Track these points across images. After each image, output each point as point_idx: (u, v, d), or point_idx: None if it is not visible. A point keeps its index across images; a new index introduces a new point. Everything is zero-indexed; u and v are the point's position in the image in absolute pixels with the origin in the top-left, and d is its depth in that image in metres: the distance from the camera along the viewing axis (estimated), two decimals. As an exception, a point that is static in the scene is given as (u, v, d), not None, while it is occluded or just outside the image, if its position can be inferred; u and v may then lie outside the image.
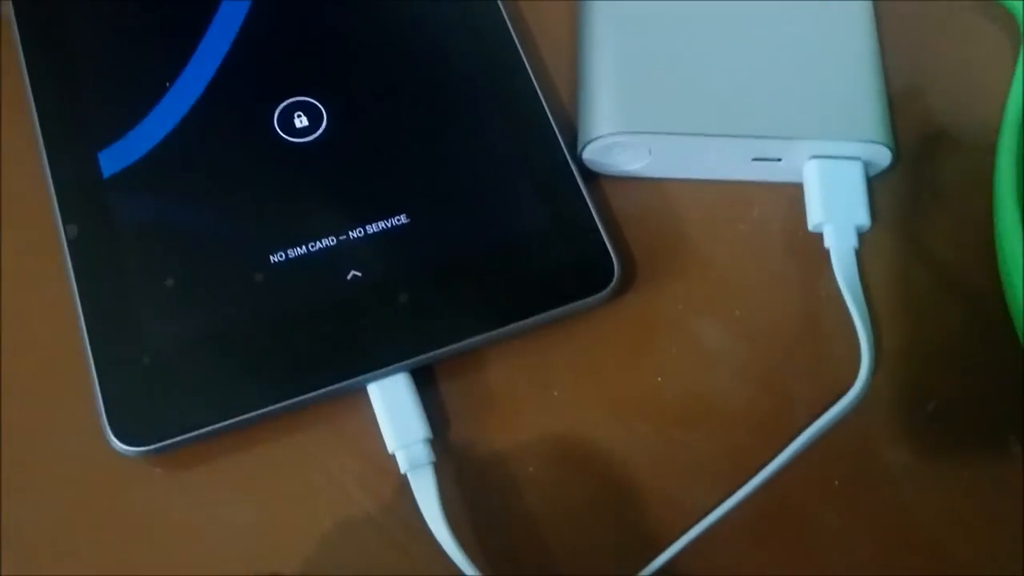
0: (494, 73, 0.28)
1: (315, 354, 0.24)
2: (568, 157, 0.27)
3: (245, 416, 0.23)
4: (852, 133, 0.27)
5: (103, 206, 0.26)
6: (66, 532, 0.24)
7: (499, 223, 0.26)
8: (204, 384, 0.24)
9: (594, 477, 0.25)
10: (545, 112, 0.27)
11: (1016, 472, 0.25)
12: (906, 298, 0.27)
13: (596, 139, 0.27)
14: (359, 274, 0.25)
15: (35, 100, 0.27)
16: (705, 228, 0.28)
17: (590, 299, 0.25)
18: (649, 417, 0.26)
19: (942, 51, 0.31)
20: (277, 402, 0.24)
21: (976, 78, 0.30)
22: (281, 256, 0.25)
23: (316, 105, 0.27)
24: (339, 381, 0.24)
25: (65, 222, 0.25)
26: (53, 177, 0.26)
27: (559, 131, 0.27)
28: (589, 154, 0.27)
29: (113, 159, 0.26)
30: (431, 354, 0.24)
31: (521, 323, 0.25)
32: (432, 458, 0.24)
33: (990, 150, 0.28)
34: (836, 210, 0.27)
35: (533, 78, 0.28)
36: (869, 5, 0.29)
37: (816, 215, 0.27)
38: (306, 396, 0.24)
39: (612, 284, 0.25)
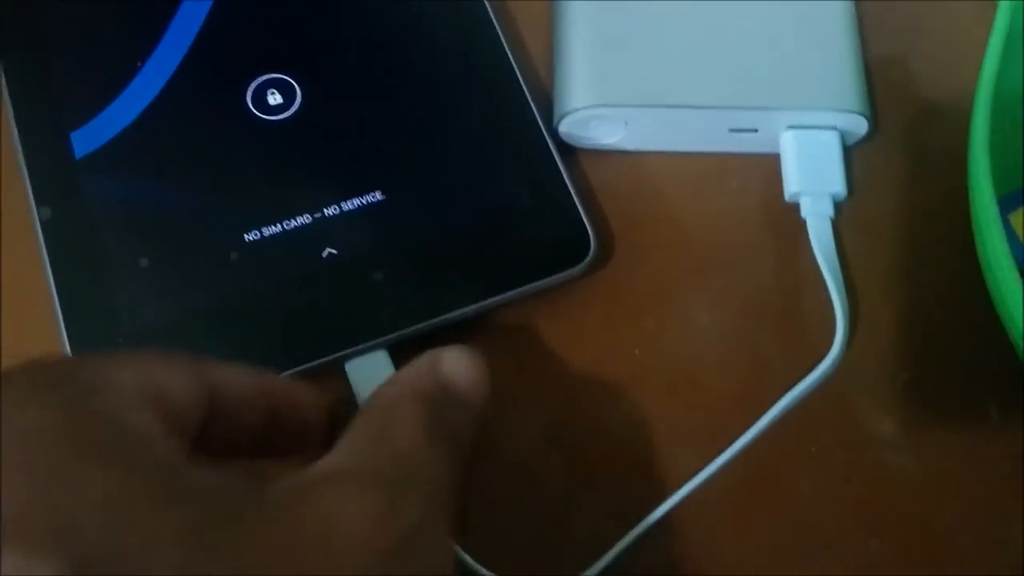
0: (470, 48, 0.28)
1: (292, 332, 0.24)
2: (544, 132, 0.27)
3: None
4: (828, 102, 0.27)
5: (76, 187, 0.25)
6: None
7: (475, 199, 0.26)
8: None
9: (572, 448, 0.25)
10: (521, 87, 0.27)
11: (993, 439, 0.25)
12: (882, 268, 0.27)
13: (572, 112, 0.26)
14: (335, 251, 0.25)
15: (7, 81, 0.27)
16: (683, 200, 0.28)
17: (566, 272, 0.25)
18: (627, 388, 0.26)
19: (921, 19, 0.31)
20: (253, 381, 0.24)
21: (956, 46, 0.30)
22: (256, 235, 0.25)
23: (289, 82, 0.27)
24: (316, 359, 0.24)
25: (38, 204, 0.25)
26: (26, 159, 0.26)
27: (536, 106, 0.27)
28: (565, 127, 0.27)
29: (85, 140, 0.26)
30: (408, 330, 0.24)
31: (497, 298, 0.25)
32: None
33: (968, 119, 0.28)
34: (812, 180, 0.27)
35: (509, 53, 0.28)
36: (846, -26, 0.29)
37: (792, 185, 0.27)
38: (285, 373, 0.24)
39: (588, 257, 0.25)
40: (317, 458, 0.18)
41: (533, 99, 0.27)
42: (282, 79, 0.27)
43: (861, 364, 0.26)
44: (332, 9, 0.28)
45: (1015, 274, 0.21)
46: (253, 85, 0.27)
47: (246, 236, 0.25)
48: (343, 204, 0.26)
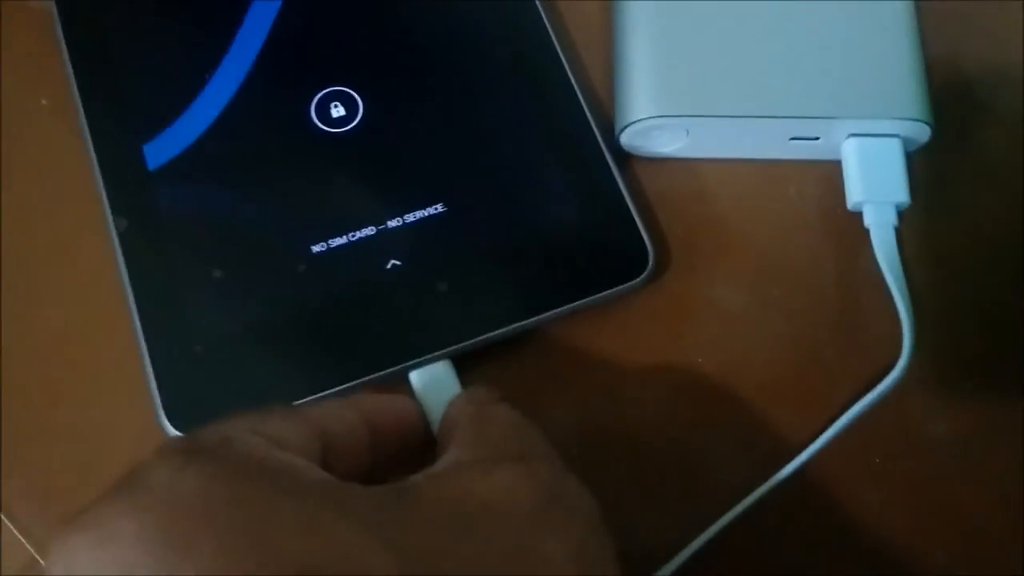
0: (527, 60, 0.28)
1: (358, 343, 0.25)
2: (602, 143, 0.27)
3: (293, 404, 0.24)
4: (891, 111, 0.27)
5: (150, 198, 0.26)
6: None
7: (534, 211, 0.26)
8: (253, 372, 0.25)
9: (636, 457, 0.26)
10: (578, 98, 0.27)
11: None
12: (944, 274, 0.27)
13: (634, 123, 0.27)
14: (399, 263, 0.26)
15: (80, 95, 0.27)
16: (743, 208, 0.28)
17: (624, 286, 0.26)
18: (691, 396, 0.26)
19: (981, 22, 0.30)
20: (323, 390, 0.24)
21: (1016, 49, 0.30)
22: (323, 246, 0.26)
23: (352, 95, 0.27)
24: (382, 369, 0.25)
25: (115, 215, 0.26)
26: (101, 171, 0.27)
27: (592, 116, 0.27)
28: (627, 137, 0.27)
29: (158, 152, 0.27)
30: (470, 342, 0.25)
31: (558, 311, 0.25)
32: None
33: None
34: (875, 189, 0.27)
35: (566, 64, 0.28)
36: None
37: (856, 194, 0.27)
38: (351, 384, 0.24)
39: (646, 271, 0.26)
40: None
41: (590, 110, 0.27)
42: (345, 92, 0.27)
43: (924, 372, 0.26)
44: (391, 23, 0.28)
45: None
46: (316, 98, 0.27)
47: (313, 247, 0.26)
48: (406, 216, 0.26)
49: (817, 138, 0.27)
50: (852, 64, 0.27)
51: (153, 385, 0.24)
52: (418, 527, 0.17)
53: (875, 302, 0.27)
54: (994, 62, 0.30)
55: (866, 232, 0.27)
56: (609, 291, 0.25)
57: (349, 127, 0.27)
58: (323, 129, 0.27)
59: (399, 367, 0.25)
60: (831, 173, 0.28)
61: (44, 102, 0.28)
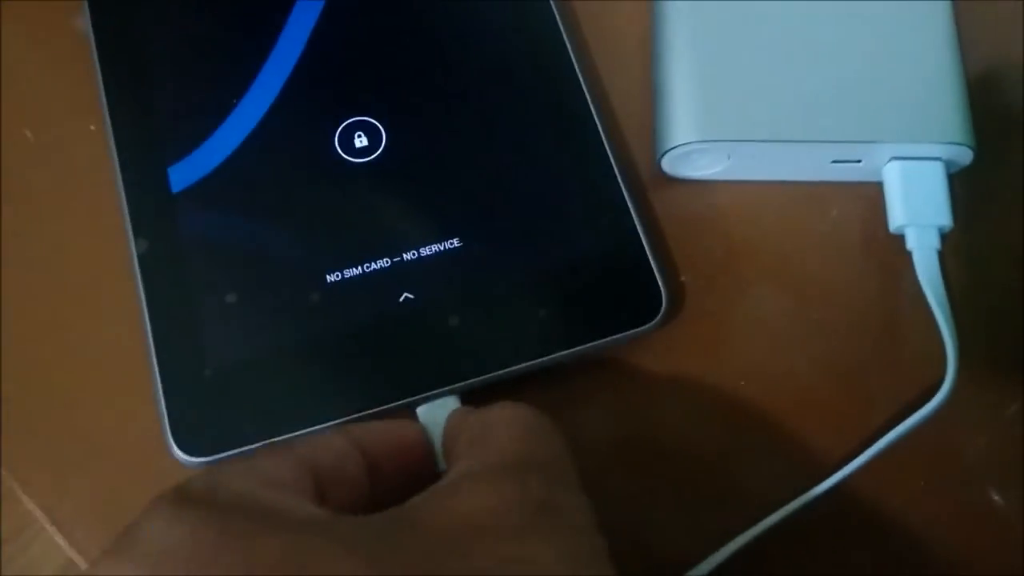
0: (551, 99, 0.28)
1: (368, 375, 0.25)
2: (623, 183, 0.27)
3: (299, 433, 0.24)
4: (933, 135, 0.26)
5: (172, 221, 0.27)
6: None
7: (549, 250, 0.26)
8: (262, 399, 0.25)
9: (672, 471, 0.26)
10: (599, 135, 0.27)
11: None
12: (986, 297, 0.27)
13: (676, 147, 0.27)
14: (411, 296, 0.26)
15: (110, 114, 0.28)
16: (783, 230, 0.28)
17: (636, 331, 0.25)
18: (729, 415, 0.26)
19: (1011, 39, 0.30)
20: (329, 420, 0.24)
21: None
22: (337, 276, 0.26)
23: (376, 125, 0.28)
24: (389, 402, 0.25)
25: (136, 236, 0.27)
26: (125, 191, 0.27)
27: (612, 151, 0.27)
28: (668, 161, 0.27)
29: (182, 174, 0.27)
30: (479, 379, 0.25)
31: (568, 352, 0.25)
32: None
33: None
34: (918, 212, 0.27)
35: (589, 99, 0.28)
36: (948, 4, 0.28)
37: (897, 218, 0.27)
38: (357, 415, 0.25)
39: (659, 316, 0.26)
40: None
41: (609, 144, 0.27)
42: (369, 122, 0.28)
43: (966, 395, 0.25)
44: (417, 57, 0.29)
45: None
46: (341, 127, 0.28)
47: (327, 277, 0.26)
48: (421, 249, 0.26)
49: (859, 161, 0.27)
50: (894, 87, 0.27)
51: (162, 406, 0.25)
52: (408, 553, 0.17)
53: (917, 325, 0.26)
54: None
55: (908, 255, 0.27)
56: (619, 335, 0.25)
57: (371, 157, 0.27)
58: (345, 159, 0.27)
59: (406, 401, 0.25)
60: (873, 194, 0.28)
61: (92, 127, 0.29)
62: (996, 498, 0.25)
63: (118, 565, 0.17)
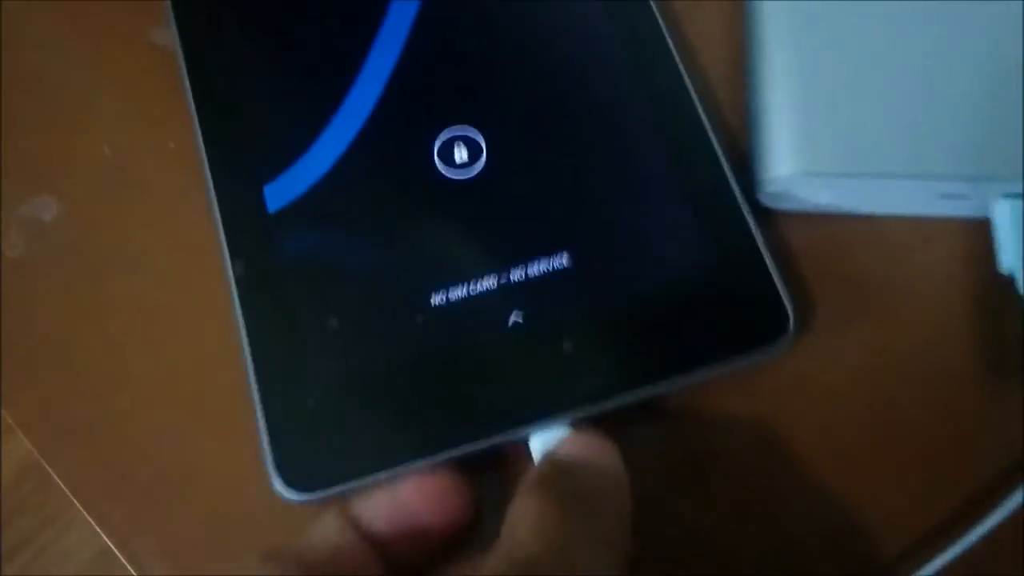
0: (659, 106, 0.26)
1: (476, 403, 0.24)
2: (740, 196, 0.25)
3: (406, 467, 0.23)
4: None
5: (269, 242, 0.26)
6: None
7: (665, 267, 0.25)
8: (367, 431, 0.24)
9: (769, 529, 0.24)
10: (713, 146, 0.26)
11: None
12: None
13: (777, 178, 0.25)
14: (520, 318, 0.25)
15: (202, 132, 0.27)
16: (885, 267, 0.26)
17: (764, 351, 0.24)
18: (830, 467, 0.25)
19: None
20: (437, 452, 0.23)
21: None
22: (442, 298, 0.25)
23: (476, 138, 0.26)
24: (501, 432, 0.23)
25: (233, 257, 0.26)
26: (220, 211, 0.26)
27: (727, 165, 0.26)
28: (768, 192, 0.26)
29: (278, 193, 0.26)
30: (596, 406, 0.24)
31: (692, 375, 0.24)
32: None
33: None
34: None
35: (700, 110, 0.26)
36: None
37: (1009, 258, 0.25)
38: (469, 447, 0.23)
39: (786, 337, 0.24)
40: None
41: (725, 157, 0.26)
42: (469, 135, 0.26)
43: None
44: (518, 66, 0.27)
45: None
46: (440, 140, 0.26)
47: (432, 299, 0.25)
48: (529, 269, 0.25)
49: (968, 196, 0.25)
50: (1007, 122, 0.25)
51: (265, 440, 0.24)
52: None
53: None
54: None
55: (1019, 297, 0.25)
56: (747, 356, 0.24)
57: (473, 172, 0.26)
58: (445, 173, 0.26)
59: (518, 430, 0.23)
60: (981, 232, 0.26)
61: (171, 145, 0.28)
62: None
63: None
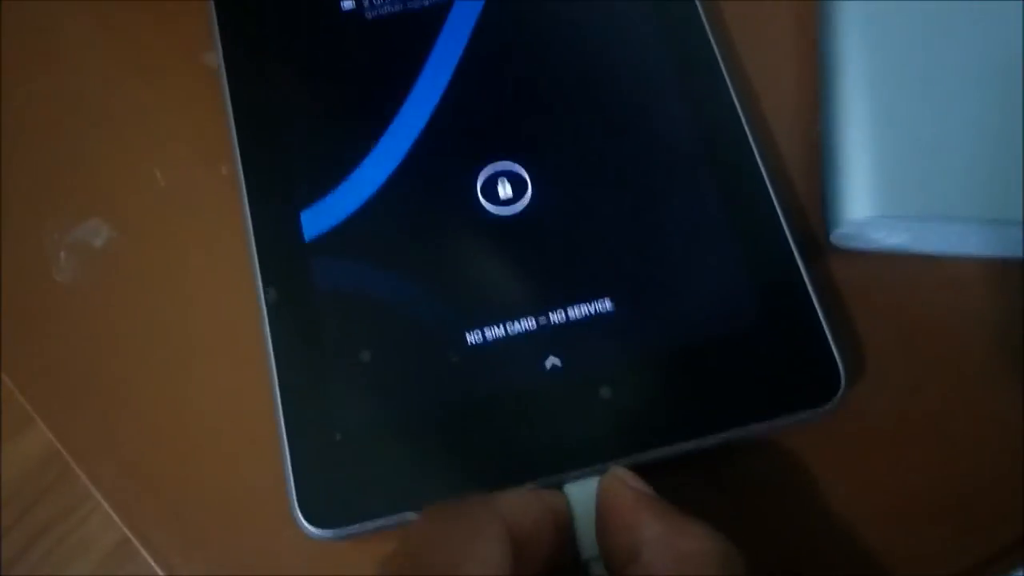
0: (716, 151, 0.26)
1: (512, 447, 0.23)
2: (795, 248, 0.24)
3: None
4: None
5: (304, 271, 0.25)
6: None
7: (713, 319, 0.24)
8: (394, 470, 0.23)
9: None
10: (771, 198, 0.25)
11: None
12: None
13: (856, 220, 0.24)
14: (558, 362, 0.24)
15: (240, 153, 0.26)
16: (955, 311, 0.26)
17: (811, 412, 0.23)
18: (896, 515, 0.24)
19: None
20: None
21: None
22: (478, 337, 0.24)
23: (521, 173, 0.26)
24: (535, 477, 0.22)
25: (265, 284, 0.25)
26: (256, 236, 0.25)
27: (782, 212, 0.25)
28: (840, 233, 0.25)
29: (315, 221, 0.25)
30: (630, 458, 0.23)
31: (732, 432, 0.23)
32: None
33: None
34: None
35: (759, 157, 0.25)
36: None
37: None
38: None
39: (837, 396, 0.23)
40: None
41: (779, 203, 0.25)
42: (514, 170, 0.26)
43: None
44: (565, 103, 0.27)
45: None
46: (484, 174, 0.26)
47: (468, 337, 0.24)
48: (570, 311, 0.24)
49: None
50: None
51: (289, 472, 0.23)
52: None
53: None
54: None
55: None
56: (793, 416, 0.23)
57: (516, 209, 0.25)
58: (488, 209, 0.25)
59: (555, 477, 0.22)
60: None
61: (224, 170, 0.28)
62: None
63: None
